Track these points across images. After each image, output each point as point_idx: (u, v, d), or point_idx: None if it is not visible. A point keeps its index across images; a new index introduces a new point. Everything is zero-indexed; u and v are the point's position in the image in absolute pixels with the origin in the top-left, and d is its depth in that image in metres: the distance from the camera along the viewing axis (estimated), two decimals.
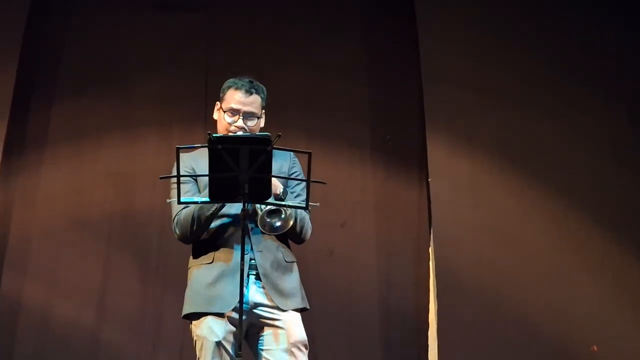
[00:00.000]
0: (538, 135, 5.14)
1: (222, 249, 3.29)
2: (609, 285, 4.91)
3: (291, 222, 3.19)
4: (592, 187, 5.06)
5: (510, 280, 4.90)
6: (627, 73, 5.24)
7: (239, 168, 2.98)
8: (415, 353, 5.02)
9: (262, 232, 3.27)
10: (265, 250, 3.30)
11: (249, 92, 3.40)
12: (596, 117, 5.18)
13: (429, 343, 4.97)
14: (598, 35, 5.30)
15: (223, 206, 3.27)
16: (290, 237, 3.40)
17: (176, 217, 3.31)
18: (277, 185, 3.23)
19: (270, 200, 3.12)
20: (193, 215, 3.25)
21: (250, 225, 3.28)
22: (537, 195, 5.04)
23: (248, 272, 3.25)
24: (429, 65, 5.19)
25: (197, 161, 3.37)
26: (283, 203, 3.17)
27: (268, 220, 3.18)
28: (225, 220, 3.32)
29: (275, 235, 3.31)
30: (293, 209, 3.19)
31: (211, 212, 3.25)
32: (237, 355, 3.04)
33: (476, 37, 5.27)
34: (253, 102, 3.40)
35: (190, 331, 3.33)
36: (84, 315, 4.97)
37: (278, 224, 3.19)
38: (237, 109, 3.38)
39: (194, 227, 3.27)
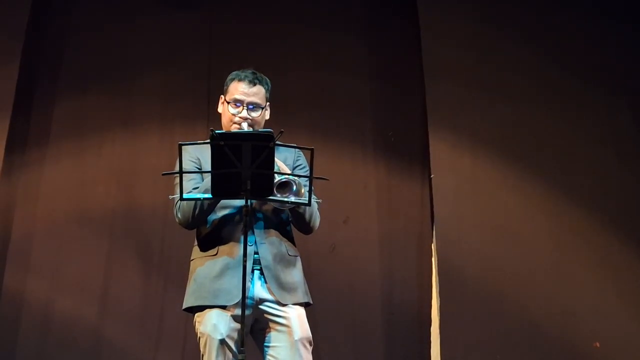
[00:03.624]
0: (540, 132, 5.13)
1: (227, 242, 3.28)
2: (611, 282, 4.90)
3: (303, 190, 3.15)
4: (594, 184, 5.05)
5: (512, 276, 4.89)
6: (630, 70, 5.23)
7: (242, 164, 2.99)
8: (417, 349, 5.02)
9: (266, 227, 3.28)
10: (269, 244, 3.29)
11: (252, 83, 3.38)
12: (599, 113, 5.17)
13: (432, 339, 4.97)
14: (601, 32, 5.29)
15: None
16: (299, 226, 3.38)
17: (179, 202, 3.30)
18: (284, 168, 3.24)
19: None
20: (195, 202, 3.25)
21: (258, 215, 3.29)
22: (540, 191, 5.03)
23: (253, 267, 3.24)
24: (431, 61, 5.19)
25: (202, 153, 3.36)
26: (286, 200, 3.16)
27: (279, 195, 3.15)
28: (230, 211, 3.31)
29: (279, 230, 3.32)
30: (300, 180, 3.17)
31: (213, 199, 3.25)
32: (240, 352, 3.03)
33: (478, 34, 5.27)
34: (257, 93, 3.38)
35: (193, 324, 3.33)
36: (86, 311, 4.97)
37: (292, 198, 3.15)
38: (241, 99, 3.37)
39: (196, 213, 3.26)
